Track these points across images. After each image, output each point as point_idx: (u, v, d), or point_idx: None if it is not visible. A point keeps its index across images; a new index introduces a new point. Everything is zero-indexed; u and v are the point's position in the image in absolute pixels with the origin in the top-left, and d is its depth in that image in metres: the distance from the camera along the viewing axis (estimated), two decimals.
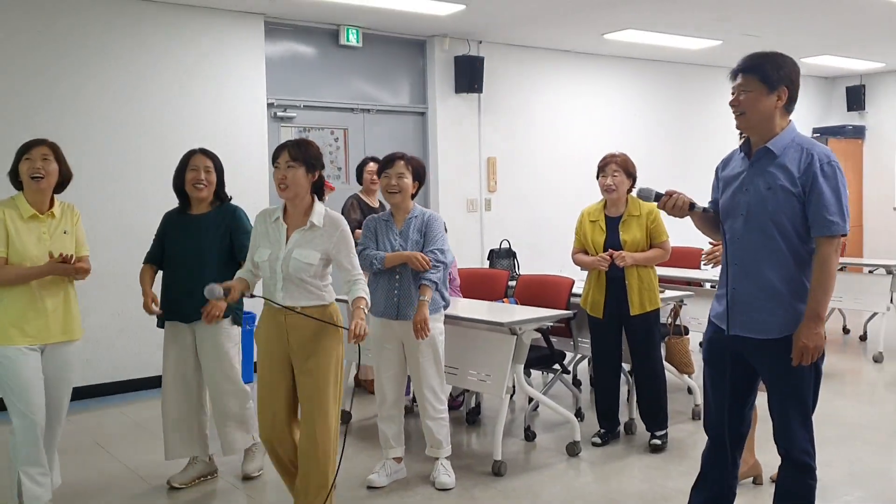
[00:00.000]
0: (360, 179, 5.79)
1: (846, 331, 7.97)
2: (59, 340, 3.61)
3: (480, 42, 8.00)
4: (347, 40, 7.28)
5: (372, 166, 5.52)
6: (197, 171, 3.99)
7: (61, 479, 3.84)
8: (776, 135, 2.79)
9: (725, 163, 3.03)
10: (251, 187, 6.36)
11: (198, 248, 3.98)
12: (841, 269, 7.40)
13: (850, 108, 11.11)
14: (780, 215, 2.75)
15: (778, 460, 2.92)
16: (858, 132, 11.07)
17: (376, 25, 7.34)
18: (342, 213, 4.58)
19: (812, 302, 2.74)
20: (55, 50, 5.83)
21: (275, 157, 3.43)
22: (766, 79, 2.75)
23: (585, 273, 4.72)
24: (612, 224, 4.53)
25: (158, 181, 6.20)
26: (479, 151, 8.11)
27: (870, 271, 7.43)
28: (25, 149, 3.60)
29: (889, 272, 6.98)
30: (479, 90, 7.91)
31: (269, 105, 6.91)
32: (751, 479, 3.98)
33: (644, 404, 4.64)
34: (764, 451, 3.82)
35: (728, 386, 2.91)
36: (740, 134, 2.99)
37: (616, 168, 4.47)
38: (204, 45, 6.46)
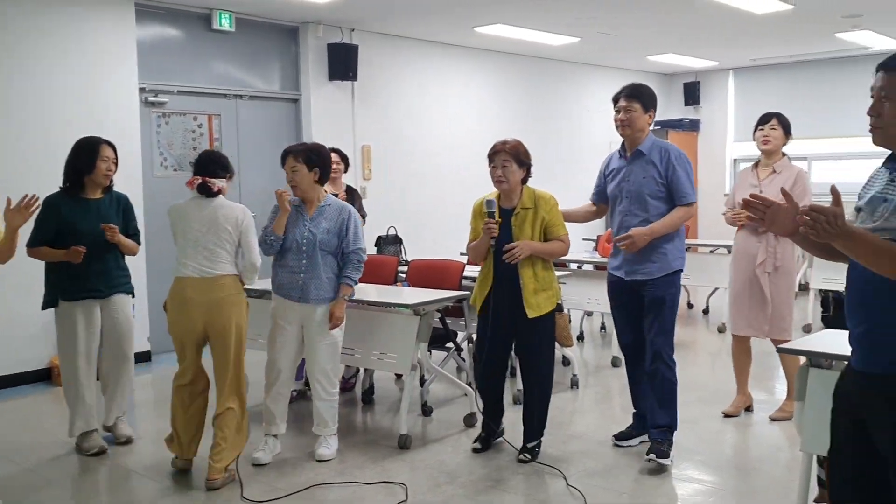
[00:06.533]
0: None
1: (690, 306, 8.75)
2: None
3: (353, 30, 8.11)
4: (220, 25, 7.20)
5: (334, 156, 5.68)
6: (107, 161, 4.39)
7: None
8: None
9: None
10: (123, 172, 6.07)
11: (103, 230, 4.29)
12: (687, 250, 8.13)
13: (686, 103, 12.09)
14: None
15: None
16: (694, 125, 12.07)
17: (249, 10, 7.30)
18: None
19: (657, 224, 4.05)
20: None
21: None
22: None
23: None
24: (506, 216, 4.11)
25: (27, 168, 5.94)
26: (353, 139, 8.23)
27: (711, 251, 8.21)
28: None
29: (730, 251, 7.72)
30: (354, 78, 8.02)
31: (141, 90, 6.74)
32: (744, 407, 5.03)
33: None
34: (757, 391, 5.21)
35: (628, 315, 4.25)
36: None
37: (506, 157, 4.04)
38: (73, 29, 6.21)
